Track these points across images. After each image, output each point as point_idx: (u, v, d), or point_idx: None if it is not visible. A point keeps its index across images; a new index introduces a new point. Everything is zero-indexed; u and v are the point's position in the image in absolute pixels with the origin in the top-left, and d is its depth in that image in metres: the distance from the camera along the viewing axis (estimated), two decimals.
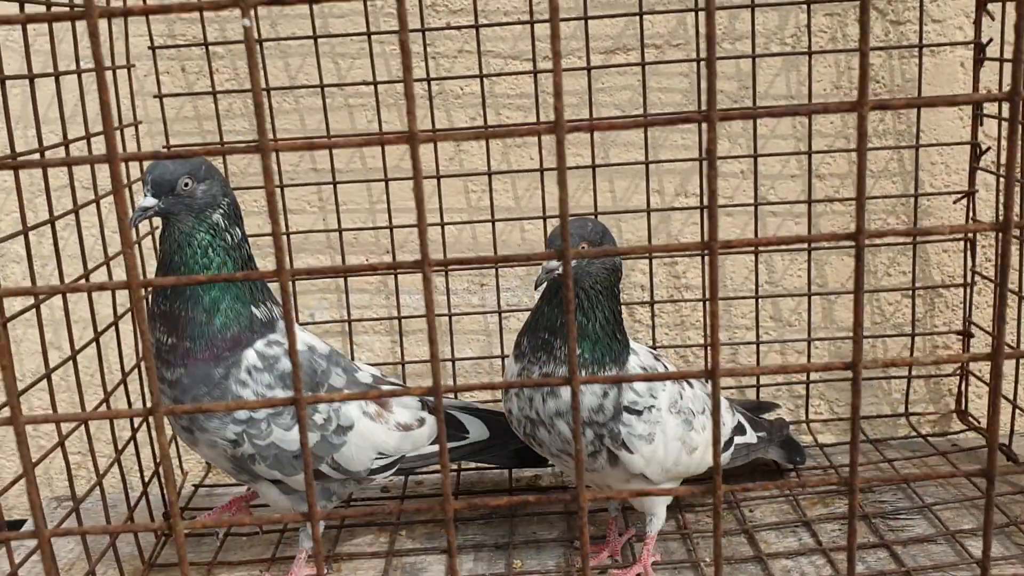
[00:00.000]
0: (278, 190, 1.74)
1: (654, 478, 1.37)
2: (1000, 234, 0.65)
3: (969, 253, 1.77)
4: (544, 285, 1.30)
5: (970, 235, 1.76)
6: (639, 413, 1.32)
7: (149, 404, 0.80)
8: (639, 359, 1.37)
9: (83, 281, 1.44)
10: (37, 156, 1.34)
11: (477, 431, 1.52)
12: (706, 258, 1.81)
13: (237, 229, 1.29)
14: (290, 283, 1.71)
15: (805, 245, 1.77)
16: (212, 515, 1.47)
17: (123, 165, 1.64)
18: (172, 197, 1.24)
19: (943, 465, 1.68)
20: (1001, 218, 0.64)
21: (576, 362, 0.65)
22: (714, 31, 0.59)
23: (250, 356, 1.28)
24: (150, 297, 1.32)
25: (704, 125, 0.54)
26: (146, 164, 1.61)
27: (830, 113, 0.70)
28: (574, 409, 0.66)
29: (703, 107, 1.73)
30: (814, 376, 1.82)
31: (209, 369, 1.26)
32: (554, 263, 1.24)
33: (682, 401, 1.37)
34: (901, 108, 0.62)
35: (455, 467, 1.81)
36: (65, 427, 1.38)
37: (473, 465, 1.83)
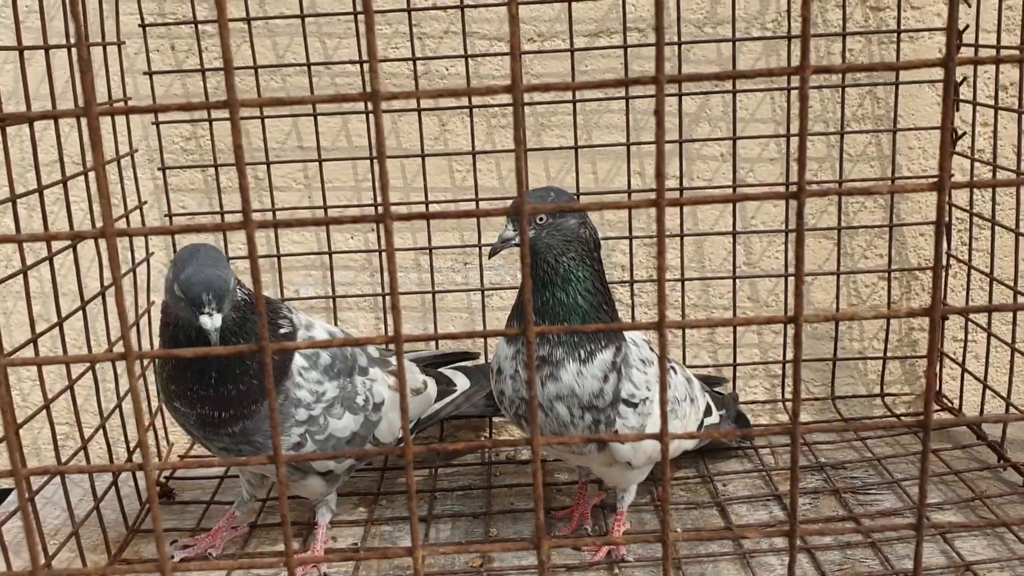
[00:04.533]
0: (264, 167, 1.77)
1: (636, 464, 1.39)
2: (937, 193, 0.68)
3: (944, 237, 1.79)
4: (498, 253, 1.35)
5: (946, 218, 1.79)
6: (635, 406, 1.32)
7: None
8: (639, 351, 1.36)
9: (71, 252, 1.46)
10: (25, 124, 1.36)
11: (462, 383, 1.62)
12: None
13: None
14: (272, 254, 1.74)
15: (783, 227, 1.81)
16: (201, 541, 1.48)
17: (112, 144, 1.67)
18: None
19: (915, 444, 1.71)
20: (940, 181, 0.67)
21: (532, 311, 0.68)
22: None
23: (296, 362, 1.34)
24: (173, 376, 1.31)
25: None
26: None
27: (775, 76, 0.73)
28: (529, 356, 0.69)
29: (682, 89, 1.76)
30: (790, 355, 1.85)
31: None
32: (509, 232, 1.29)
33: (670, 391, 1.39)
34: (840, 72, 0.65)
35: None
36: (51, 391, 1.40)
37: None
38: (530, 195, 1.32)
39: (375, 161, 1.77)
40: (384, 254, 0.66)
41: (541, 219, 1.27)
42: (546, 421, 1.31)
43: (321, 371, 1.35)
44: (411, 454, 0.71)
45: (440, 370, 1.64)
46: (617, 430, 1.31)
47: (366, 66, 1.73)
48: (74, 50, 1.51)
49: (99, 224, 1.56)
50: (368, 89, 0.61)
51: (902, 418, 1.83)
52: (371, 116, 1.74)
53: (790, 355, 1.86)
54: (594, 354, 1.29)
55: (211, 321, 1.19)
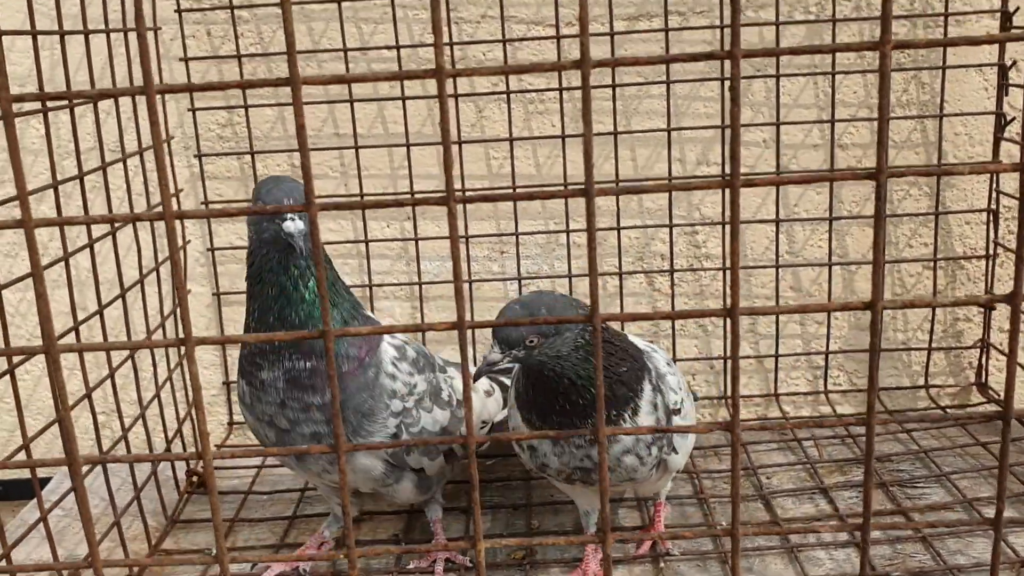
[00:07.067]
0: (299, 154, 1.75)
1: (680, 468, 1.35)
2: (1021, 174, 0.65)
3: (992, 225, 1.76)
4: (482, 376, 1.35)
5: (993, 205, 1.75)
6: (679, 412, 1.29)
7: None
8: (660, 356, 1.31)
9: (108, 240, 1.46)
10: (66, 107, 1.35)
11: None
12: (730, 231, 1.82)
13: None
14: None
15: (827, 215, 1.77)
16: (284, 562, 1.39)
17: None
18: None
19: (962, 436, 1.68)
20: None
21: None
22: None
23: (386, 351, 1.31)
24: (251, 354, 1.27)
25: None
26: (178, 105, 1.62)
27: (852, 51, 0.71)
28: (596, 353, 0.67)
29: (726, 75, 1.73)
30: (833, 346, 1.82)
31: (362, 375, 1.26)
32: (495, 355, 1.13)
33: (672, 392, 1.30)
34: (923, 47, 0.62)
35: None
36: (92, 380, 1.39)
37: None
38: (517, 306, 1.15)
39: (410, 149, 1.75)
40: (450, 239, 0.64)
41: (532, 341, 1.11)
42: (613, 476, 1.23)
43: (409, 362, 1.32)
44: (473, 443, 0.70)
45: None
46: (672, 444, 1.27)
47: (403, 51, 1.71)
48: (113, 35, 1.50)
49: (138, 210, 1.55)
50: (434, 66, 0.60)
51: (947, 409, 1.79)
52: (405, 102, 1.73)
53: (834, 346, 1.83)
54: (637, 401, 1.21)
55: (295, 225, 1.17)
